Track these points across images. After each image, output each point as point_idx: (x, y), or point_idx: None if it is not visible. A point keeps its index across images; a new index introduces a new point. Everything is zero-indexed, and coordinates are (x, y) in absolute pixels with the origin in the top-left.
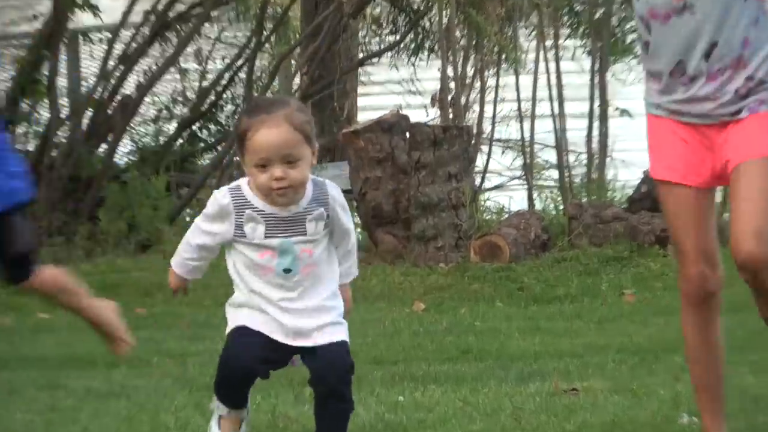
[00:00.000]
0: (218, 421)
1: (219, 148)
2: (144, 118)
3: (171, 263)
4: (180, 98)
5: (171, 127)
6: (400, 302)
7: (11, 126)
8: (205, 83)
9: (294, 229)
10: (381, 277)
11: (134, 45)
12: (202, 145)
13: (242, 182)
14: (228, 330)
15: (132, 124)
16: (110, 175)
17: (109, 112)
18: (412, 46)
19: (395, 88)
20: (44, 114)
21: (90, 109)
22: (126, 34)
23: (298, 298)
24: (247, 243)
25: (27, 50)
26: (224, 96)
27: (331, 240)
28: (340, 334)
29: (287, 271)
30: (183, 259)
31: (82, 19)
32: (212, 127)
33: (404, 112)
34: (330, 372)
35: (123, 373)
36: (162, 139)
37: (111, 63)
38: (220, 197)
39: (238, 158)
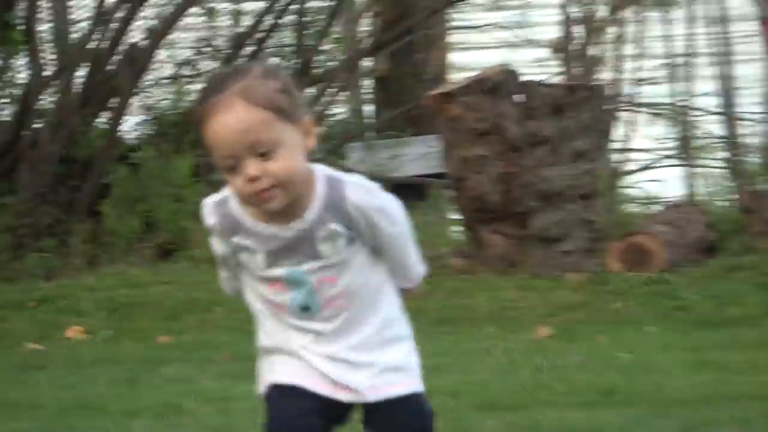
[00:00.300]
0: None
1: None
2: (159, 76)
3: None
4: (207, 49)
5: (196, 87)
6: (516, 326)
7: None
8: (240, 28)
9: (302, 252)
10: (489, 292)
11: None
12: None
13: (229, 196)
14: (261, 388)
15: (143, 85)
16: (116, 154)
17: (112, 67)
18: None
19: (500, 34)
20: (22, 71)
21: (85, 63)
22: None
23: (332, 338)
24: (247, 270)
25: None
26: (266, 45)
27: (372, 251)
28: (403, 382)
29: (305, 309)
30: (222, 279)
31: None
32: None
33: (513, 67)
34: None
35: (144, 425)
36: (184, 105)
37: (110, 1)
38: (206, 215)
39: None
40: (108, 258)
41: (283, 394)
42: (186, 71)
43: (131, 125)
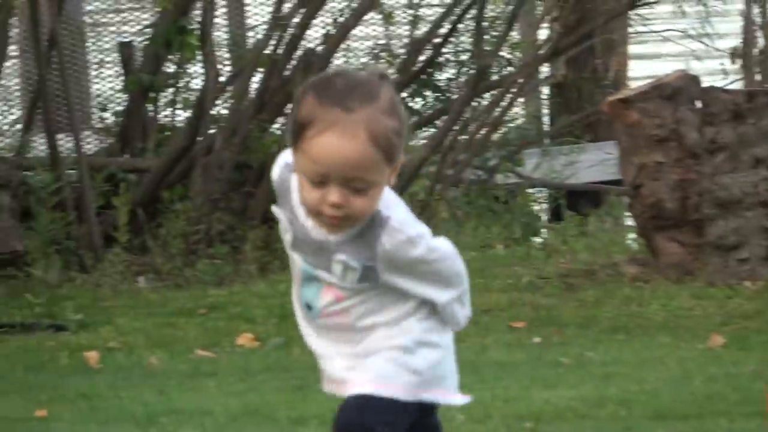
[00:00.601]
0: None
1: (439, 122)
2: None
3: None
4: (384, 54)
5: None
6: (690, 336)
7: (152, 93)
8: (417, 33)
9: (320, 258)
10: (663, 300)
11: None
12: (415, 117)
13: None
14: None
15: None
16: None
17: (287, 73)
18: None
19: (681, 41)
20: (198, 76)
21: (260, 69)
22: None
23: (326, 350)
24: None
25: None
26: (444, 51)
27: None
28: (362, 382)
29: (308, 307)
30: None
31: None
32: (428, 93)
33: (693, 72)
34: None
35: None
36: None
37: (287, 6)
38: (277, 167)
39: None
40: (279, 265)
41: None
42: None
43: None
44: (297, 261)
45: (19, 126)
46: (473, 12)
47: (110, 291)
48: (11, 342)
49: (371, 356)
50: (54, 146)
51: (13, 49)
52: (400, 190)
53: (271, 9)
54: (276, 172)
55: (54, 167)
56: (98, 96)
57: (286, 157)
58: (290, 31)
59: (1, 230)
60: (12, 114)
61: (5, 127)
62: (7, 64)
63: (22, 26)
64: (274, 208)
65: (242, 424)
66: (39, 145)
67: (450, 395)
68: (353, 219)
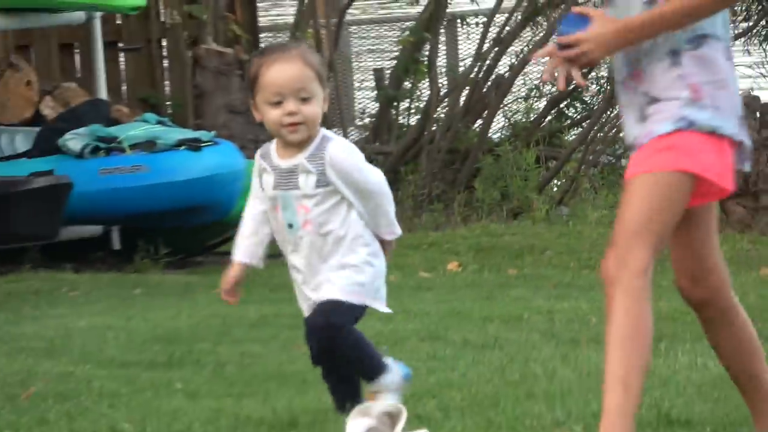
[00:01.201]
0: None
1: (584, 124)
2: (516, 96)
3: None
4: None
5: (540, 105)
6: (747, 267)
7: (395, 102)
8: None
9: (290, 181)
10: (731, 244)
11: (507, 29)
12: (568, 121)
13: (272, 143)
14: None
15: (505, 102)
16: (485, 148)
17: (484, 90)
18: (764, 32)
19: (746, 71)
20: (425, 91)
21: (467, 87)
22: (500, 18)
23: (306, 262)
24: (265, 198)
25: (410, 32)
26: (590, 77)
27: (350, 201)
28: (333, 289)
29: (290, 226)
30: (240, 239)
31: (460, 4)
32: (578, 105)
33: (755, 93)
34: (311, 337)
35: (497, 327)
36: (532, 116)
37: (486, 45)
38: (257, 154)
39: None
40: (476, 217)
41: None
42: (534, 93)
43: (496, 129)
44: (279, 197)
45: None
46: None
47: None
48: None
49: (333, 274)
50: None
51: None
52: (556, 169)
53: (475, 47)
54: (259, 152)
55: None
56: (359, 104)
57: (259, 150)
58: (487, 62)
59: None
60: None
61: None
62: None
63: None
64: (262, 165)
65: (449, 321)
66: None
67: (382, 305)
68: (306, 123)
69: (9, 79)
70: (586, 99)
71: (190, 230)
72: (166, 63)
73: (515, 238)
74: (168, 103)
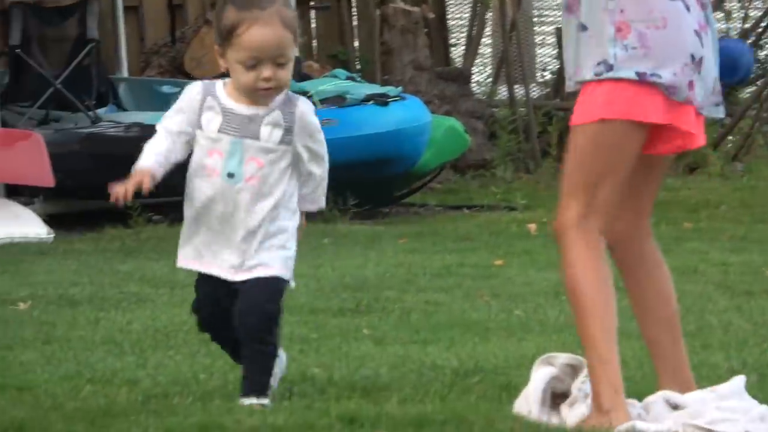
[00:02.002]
0: None
1: (758, 82)
2: None
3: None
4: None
5: None
6: None
7: None
8: (747, 25)
9: (248, 129)
10: None
11: None
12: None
13: (219, 81)
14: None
15: None
16: None
17: None
18: None
19: None
20: None
21: None
22: None
23: (237, 214)
24: (201, 136)
25: None
26: (763, 38)
27: (296, 165)
28: (273, 266)
29: (230, 175)
30: (148, 151)
31: None
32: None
33: None
34: (250, 315)
35: (673, 278)
36: None
37: None
38: (191, 86)
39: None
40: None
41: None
42: None
43: None
44: (224, 141)
45: (490, 80)
46: None
47: (544, 185)
48: (481, 217)
49: (271, 247)
50: (511, 92)
51: (487, 31)
52: (731, 126)
53: None
54: (196, 86)
55: (511, 106)
56: (540, 61)
57: (198, 82)
58: None
59: (477, 146)
60: (486, 72)
61: (482, 80)
62: (484, 40)
63: (494, 15)
64: (206, 105)
65: None
66: (502, 92)
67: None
68: (280, 88)
69: (205, 36)
70: (760, 58)
71: (377, 182)
72: (355, 21)
73: (691, 192)
74: (357, 59)
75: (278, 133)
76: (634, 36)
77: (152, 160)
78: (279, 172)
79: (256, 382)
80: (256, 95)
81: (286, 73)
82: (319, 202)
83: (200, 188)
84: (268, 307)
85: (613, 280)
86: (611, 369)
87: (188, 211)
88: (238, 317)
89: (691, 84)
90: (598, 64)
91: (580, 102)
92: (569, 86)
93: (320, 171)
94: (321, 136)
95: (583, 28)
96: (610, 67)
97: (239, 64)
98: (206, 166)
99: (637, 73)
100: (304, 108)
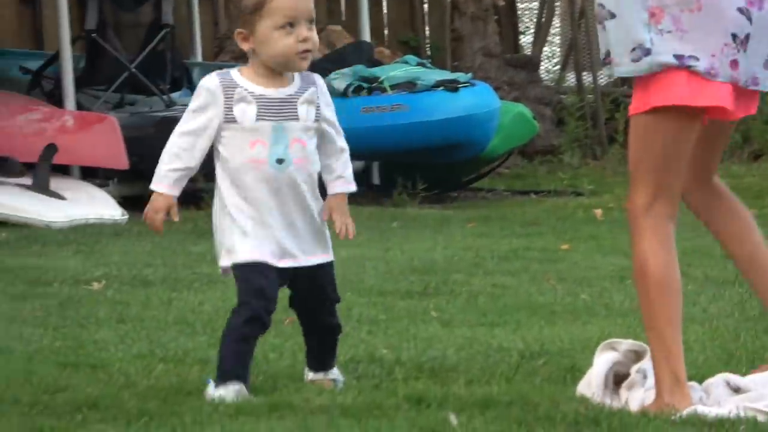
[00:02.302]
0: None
1: None
2: None
3: (152, 186)
4: None
5: None
6: None
7: None
8: None
9: (286, 112)
10: None
11: None
12: None
13: (232, 70)
14: (232, 261)
15: None
16: None
17: None
18: None
19: None
20: None
21: None
22: None
23: (295, 198)
24: (236, 130)
25: None
26: None
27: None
28: (329, 251)
29: (280, 161)
30: (165, 171)
31: None
32: None
33: None
34: (323, 299)
35: None
36: None
37: None
38: (207, 81)
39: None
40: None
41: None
42: None
43: None
44: (267, 128)
45: (558, 66)
46: None
47: (611, 171)
48: (548, 202)
49: (320, 235)
50: (579, 79)
51: (556, 18)
52: None
53: None
54: (212, 79)
55: (579, 92)
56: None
57: (208, 76)
58: None
59: (545, 132)
60: (555, 59)
61: (550, 67)
62: (553, 27)
63: (563, 2)
64: (233, 98)
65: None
66: (570, 79)
67: None
68: (313, 50)
69: None
70: None
71: (446, 166)
72: (426, 8)
73: (755, 179)
74: (427, 45)
75: (312, 111)
76: (668, 19)
77: (171, 181)
78: (313, 152)
79: (328, 359)
80: (295, 61)
81: (315, 35)
82: (352, 181)
83: (250, 182)
84: (335, 291)
85: (679, 266)
86: (674, 354)
87: (243, 211)
88: (308, 300)
89: (734, 63)
90: (633, 49)
91: (636, 92)
92: (603, 73)
93: (347, 146)
94: (333, 107)
95: (612, 15)
96: (647, 52)
97: (276, 30)
98: (251, 158)
99: (675, 56)
100: (321, 82)
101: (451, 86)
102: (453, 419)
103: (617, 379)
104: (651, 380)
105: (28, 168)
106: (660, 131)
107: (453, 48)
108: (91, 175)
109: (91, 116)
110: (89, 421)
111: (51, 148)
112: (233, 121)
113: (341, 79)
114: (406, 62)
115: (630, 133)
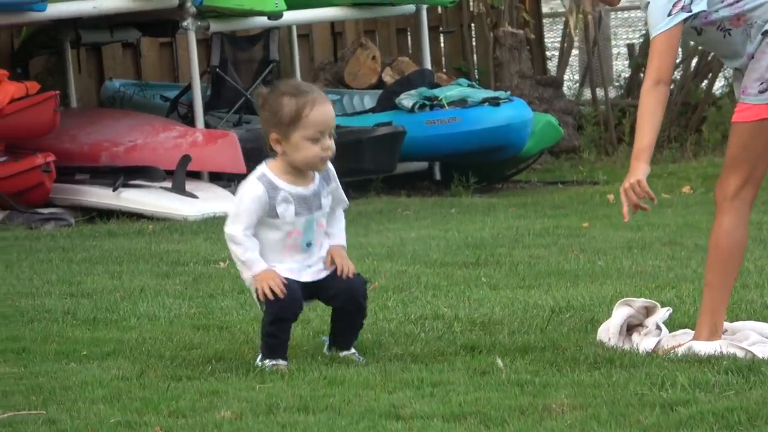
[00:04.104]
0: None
1: None
2: None
3: (252, 273)
4: None
5: None
6: None
7: (643, 67)
8: None
9: (315, 205)
10: None
11: None
12: None
13: (264, 170)
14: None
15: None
16: (709, 101)
17: (709, 59)
18: None
19: None
20: None
21: (695, 56)
22: None
23: (311, 261)
24: (277, 223)
25: None
26: None
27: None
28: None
29: (309, 245)
30: (253, 256)
31: None
32: None
33: None
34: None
35: None
36: None
37: None
38: (256, 190)
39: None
40: (704, 153)
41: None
42: None
43: (717, 87)
44: (301, 222)
45: (577, 84)
46: None
47: (620, 165)
48: (571, 190)
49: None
50: (594, 94)
51: (575, 47)
52: None
53: None
54: (257, 186)
55: (594, 104)
56: (615, 69)
57: (254, 181)
58: None
59: (568, 135)
60: (574, 78)
61: (571, 85)
62: (573, 54)
63: (580, 35)
64: (276, 199)
65: (684, 230)
66: (587, 93)
67: None
68: (330, 156)
69: (359, 55)
70: None
71: (492, 164)
72: (474, 42)
73: None
74: (475, 70)
75: (330, 198)
76: None
77: (263, 261)
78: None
79: (351, 340)
80: (317, 164)
81: (333, 143)
82: (344, 236)
83: (279, 256)
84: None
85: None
86: (719, 310)
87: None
88: (341, 296)
89: None
90: (761, 83)
91: (742, 106)
92: (739, 96)
93: (340, 209)
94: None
95: (750, 56)
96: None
97: (307, 140)
98: (287, 245)
99: None
100: (331, 166)
101: (495, 102)
102: (499, 362)
103: (629, 328)
104: (665, 330)
105: (168, 174)
106: (763, 137)
107: (495, 72)
108: (218, 178)
109: (216, 133)
110: (217, 371)
111: (186, 158)
112: (276, 216)
113: (409, 98)
114: (459, 84)
115: (732, 135)
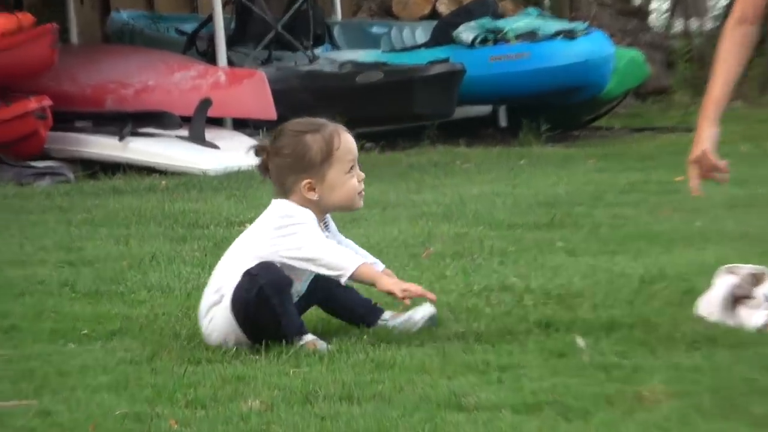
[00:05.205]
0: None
1: None
2: None
3: (360, 270)
4: None
5: None
6: None
7: None
8: None
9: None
10: None
11: None
12: None
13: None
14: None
15: None
16: None
17: None
18: None
19: None
20: None
21: None
22: None
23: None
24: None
25: None
26: None
27: None
28: None
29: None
30: (358, 261)
31: None
32: None
33: None
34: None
35: None
36: None
37: None
38: (308, 213)
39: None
40: None
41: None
42: None
43: None
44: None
45: (666, 14)
46: None
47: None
48: (661, 138)
49: None
50: (687, 25)
51: None
52: None
53: None
54: (315, 222)
55: (687, 37)
56: None
57: (298, 210)
58: None
59: (656, 74)
60: (663, 6)
61: (658, 14)
62: None
63: None
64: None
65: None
66: (678, 25)
67: None
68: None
69: None
70: None
71: (567, 108)
72: None
73: None
74: None
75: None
76: None
77: (359, 256)
78: None
79: (367, 303)
80: (356, 200)
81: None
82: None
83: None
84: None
85: None
86: None
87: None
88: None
89: None
90: None
91: None
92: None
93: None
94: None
95: None
96: None
97: (345, 174)
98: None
99: None
100: (330, 219)
101: (570, 34)
102: (580, 342)
103: (735, 300)
104: None
105: (185, 121)
106: None
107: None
108: (243, 125)
109: (241, 72)
110: (243, 353)
111: (206, 102)
112: (291, 268)
113: (468, 31)
114: (528, 14)
115: None
